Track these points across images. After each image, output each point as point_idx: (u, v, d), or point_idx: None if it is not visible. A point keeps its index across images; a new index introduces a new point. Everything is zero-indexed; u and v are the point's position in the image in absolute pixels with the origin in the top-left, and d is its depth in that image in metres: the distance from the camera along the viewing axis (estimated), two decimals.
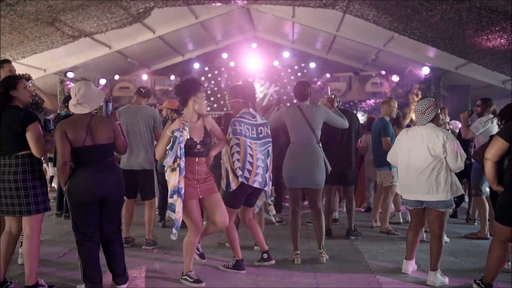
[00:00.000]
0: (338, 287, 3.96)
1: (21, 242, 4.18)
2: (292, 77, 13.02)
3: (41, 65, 11.05)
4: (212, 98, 13.15)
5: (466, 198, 7.46)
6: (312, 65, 13.00)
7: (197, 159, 3.89)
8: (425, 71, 11.43)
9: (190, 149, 3.83)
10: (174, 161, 3.74)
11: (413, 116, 11.01)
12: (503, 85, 11.06)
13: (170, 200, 3.77)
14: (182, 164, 3.75)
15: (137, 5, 8.51)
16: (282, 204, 7.13)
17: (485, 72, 10.23)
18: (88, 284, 3.57)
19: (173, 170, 3.75)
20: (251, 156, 4.19)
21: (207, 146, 3.95)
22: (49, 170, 8.81)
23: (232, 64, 13.14)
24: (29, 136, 3.52)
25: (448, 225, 4.25)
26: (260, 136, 4.31)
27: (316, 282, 4.06)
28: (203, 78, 12.94)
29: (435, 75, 11.59)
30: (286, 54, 13.06)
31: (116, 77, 13.10)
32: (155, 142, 5.31)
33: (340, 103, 5.95)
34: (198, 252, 4.32)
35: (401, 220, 6.72)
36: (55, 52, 10.01)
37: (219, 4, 9.49)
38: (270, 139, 4.41)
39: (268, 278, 4.16)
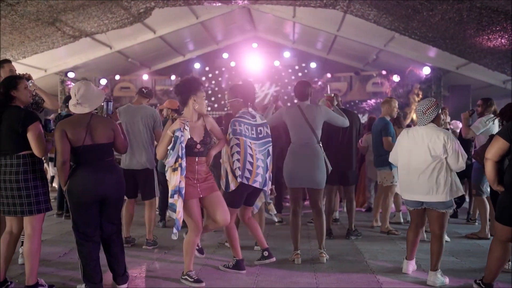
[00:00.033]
0: (338, 287, 3.96)
1: (22, 242, 4.19)
2: (293, 77, 13.00)
3: (42, 65, 11.06)
4: (212, 98, 13.15)
5: (467, 198, 7.45)
6: (313, 65, 12.99)
7: (197, 159, 3.90)
8: (426, 71, 11.42)
9: (190, 149, 3.83)
10: (176, 161, 3.74)
11: (414, 116, 11.00)
12: (504, 85, 11.05)
13: (170, 200, 3.78)
14: (184, 164, 3.76)
15: (138, 5, 8.51)
16: (282, 204, 7.13)
17: (485, 72, 10.22)
18: (88, 284, 3.57)
19: (175, 170, 3.75)
20: (251, 156, 4.19)
21: (207, 145, 3.96)
22: (50, 170, 8.82)
23: (232, 64, 13.13)
24: (30, 136, 3.53)
25: (448, 225, 4.24)
26: (260, 136, 4.31)
27: (316, 282, 4.06)
28: (203, 78, 12.93)
29: (435, 75, 11.58)
30: (286, 54, 13.05)
31: (117, 77, 13.10)
32: (155, 142, 5.32)
33: (341, 102, 5.94)
34: (197, 247, 4.33)
35: (402, 220, 6.72)
36: (56, 52, 10.02)
37: (219, 4, 9.49)
38: (270, 139, 4.41)
39: (268, 278, 4.16)
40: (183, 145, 3.75)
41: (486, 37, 7.89)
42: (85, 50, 10.67)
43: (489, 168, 3.68)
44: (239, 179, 4.15)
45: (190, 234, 3.96)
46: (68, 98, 4.79)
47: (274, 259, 4.52)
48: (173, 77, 13.06)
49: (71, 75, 11.76)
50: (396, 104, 6.26)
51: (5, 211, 3.61)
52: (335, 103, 5.19)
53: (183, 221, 3.85)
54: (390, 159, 4.42)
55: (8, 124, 3.53)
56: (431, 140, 3.93)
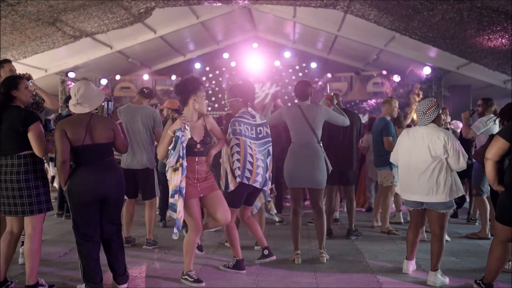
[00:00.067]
0: (339, 287, 3.96)
1: (22, 241, 4.19)
2: (293, 77, 13.00)
3: (42, 65, 11.06)
4: (213, 98, 13.15)
5: (467, 198, 7.45)
6: (313, 65, 12.99)
7: (197, 159, 3.90)
8: (426, 71, 11.41)
9: (190, 149, 3.83)
10: (177, 161, 3.74)
11: (414, 116, 11.00)
12: (504, 85, 11.04)
13: (171, 200, 3.78)
14: (185, 164, 3.76)
15: (138, 5, 8.51)
16: (282, 204, 7.13)
17: (486, 72, 10.22)
18: (88, 284, 3.57)
19: (175, 170, 3.75)
20: (251, 156, 4.19)
21: (207, 145, 3.96)
22: (50, 170, 8.83)
23: (233, 64, 13.13)
24: (31, 136, 3.53)
25: (449, 225, 4.24)
26: (260, 136, 4.31)
27: (316, 282, 4.06)
28: (204, 78, 12.93)
29: (436, 75, 11.57)
30: (287, 54, 13.05)
31: (117, 77, 13.11)
32: (155, 142, 5.32)
33: (342, 102, 5.94)
34: (197, 244, 4.33)
35: (402, 220, 6.72)
36: (56, 52, 10.02)
37: (220, 4, 9.49)
38: (270, 139, 4.41)
39: (269, 278, 4.16)
40: (184, 145, 3.76)
41: (487, 37, 7.89)
42: (86, 50, 10.67)
43: (489, 168, 3.68)
44: (238, 179, 4.15)
45: (190, 234, 3.96)
46: (68, 98, 4.79)
47: (274, 257, 4.52)
48: (173, 77, 13.06)
49: (71, 75, 11.77)
50: (397, 104, 6.26)
51: (5, 211, 3.61)
52: (335, 102, 5.18)
53: (183, 220, 3.85)
54: (391, 159, 4.42)
55: (9, 124, 3.54)
56: (432, 140, 3.92)
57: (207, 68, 13.40)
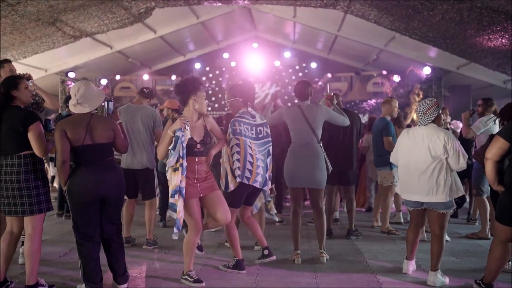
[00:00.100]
0: (339, 287, 3.96)
1: (22, 241, 4.19)
2: (293, 77, 13.00)
3: (43, 65, 11.06)
4: (213, 98, 13.15)
5: (467, 198, 7.45)
6: (313, 65, 12.99)
7: (197, 159, 3.90)
8: (426, 71, 11.41)
9: (190, 149, 3.83)
10: (177, 161, 3.74)
11: (414, 116, 10.99)
12: (504, 85, 11.04)
13: (171, 200, 3.78)
14: (185, 164, 3.76)
15: (138, 5, 8.51)
16: (283, 204, 7.13)
17: (486, 72, 10.22)
18: (89, 283, 3.57)
19: (175, 170, 3.75)
20: (251, 156, 4.19)
21: (207, 145, 3.96)
22: (50, 170, 8.83)
23: (233, 64, 13.13)
24: (31, 136, 3.53)
25: (449, 225, 4.24)
26: (260, 136, 4.31)
27: (316, 282, 4.06)
28: (204, 78, 12.94)
29: (436, 75, 11.57)
30: (287, 54, 13.05)
31: (117, 77, 13.11)
32: (155, 142, 5.32)
33: (342, 102, 5.95)
34: (197, 244, 4.33)
35: (402, 220, 6.72)
36: (56, 52, 10.02)
37: (220, 4, 9.49)
38: (270, 139, 4.41)
39: (269, 278, 4.16)
40: (184, 145, 3.76)
41: (487, 37, 7.89)
42: (86, 50, 10.68)
43: (489, 168, 3.68)
44: (238, 179, 4.15)
45: (190, 234, 3.96)
46: (68, 98, 4.79)
47: (274, 257, 4.52)
48: (173, 77, 13.06)
49: (71, 75, 11.77)
50: (397, 104, 6.27)
51: (6, 211, 3.61)
52: (335, 102, 5.18)
53: (183, 220, 3.85)
54: (391, 159, 4.42)
55: (9, 124, 3.53)
56: (431, 140, 3.92)
57: (207, 68, 13.40)
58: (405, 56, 10.91)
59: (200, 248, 4.35)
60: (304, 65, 13.20)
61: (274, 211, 4.85)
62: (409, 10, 7.71)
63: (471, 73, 10.84)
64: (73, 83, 11.56)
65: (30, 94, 3.82)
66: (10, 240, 3.71)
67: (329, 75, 12.64)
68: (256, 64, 12.91)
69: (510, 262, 4.28)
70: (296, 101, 5.02)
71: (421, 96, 11.58)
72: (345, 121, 4.86)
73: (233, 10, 10.71)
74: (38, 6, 7.28)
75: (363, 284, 4.01)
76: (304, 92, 4.72)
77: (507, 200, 3.61)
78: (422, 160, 3.95)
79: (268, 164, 4.36)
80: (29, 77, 4.16)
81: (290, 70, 13.21)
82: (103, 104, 3.90)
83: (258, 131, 4.32)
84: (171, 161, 3.75)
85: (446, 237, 4.56)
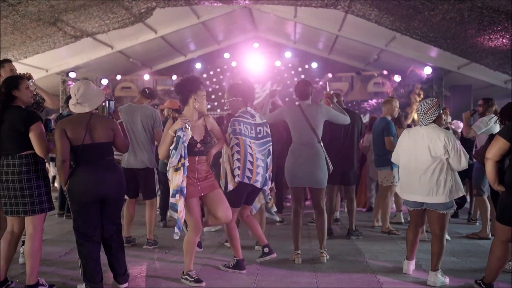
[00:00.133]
0: (339, 287, 3.96)
1: (23, 241, 4.19)
2: (295, 78, 12.96)
3: (43, 65, 11.07)
4: (213, 96, 13.10)
5: (468, 198, 7.44)
6: (314, 65, 12.96)
7: (197, 158, 3.90)
8: (427, 71, 11.40)
9: (190, 148, 3.84)
10: (179, 161, 3.74)
11: (415, 116, 10.98)
12: (505, 85, 11.03)
13: (172, 200, 3.78)
14: (187, 164, 3.76)
15: (139, 5, 8.51)
16: (283, 204, 7.13)
17: (487, 72, 10.21)
18: (89, 283, 3.58)
19: (177, 169, 3.75)
20: (251, 155, 4.20)
21: (207, 145, 3.96)
22: (51, 169, 8.84)
23: (234, 64, 13.11)
24: (32, 136, 3.54)
25: (449, 225, 4.24)
26: (259, 136, 4.31)
27: (316, 282, 4.06)
28: (204, 75, 12.95)
29: (437, 75, 11.55)
30: (288, 54, 13.03)
31: (118, 77, 13.10)
32: (155, 142, 5.32)
33: (343, 102, 5.94)
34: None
35: (403, 220, 6.72)
36: (57, 52, 10.02)
37: (220, 4, 9.49)
38: (270, 139, 4.41)
39: (269, 278, 4.16)
40: (186, 144, 3.76)
41: (487, 37, 7.88)
42: (87, 50, 10.67)
43: (490, 168, 3.68)
44: (237, 179, 4.15)
45: (190, 234, 3.96)
46: (69, 98, 4.80)
47: (275, 255, 4.52)
48: (174, 77, 13.03)
49: (72, 75, 11.77)
50: (397, 104, 6.26)
51: (7, 211, 3.61)
52: (335, 100, 5.17)
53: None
54: (393, 159, 4.42)
55: (10, 124, 3.54)
56: (432, 140, 3.92)
57: (208, 69, 13.38)
58: (406, 56, 10.90)
59: (199, 245, 4.35)
60: (306, 66, 13.16)
61: (275, 208, 4.84)
62: (409, 10, 7.70)
63: (472, 73, 10.83)
64: (74, 83, 11.56)
65: (31, 94, 3.83)
66: (10, 240, 3.72)
67: (330, 75, 12.62)
68: (257, 64, 12.89)
69: (511, 262, 4.28)
70: (297, 103, 5.01)
71: (421, 96, 11.56)
72: (346, 119, 4.85)
73: (234, 10, 10.70)
74: (39, 6, 7.28)
75: (364, 284, 4.01)
76: (304, 92, 4.72)
77: (507, 200, 3.60)
78: (422, 160, 3.95)
79: (268, 164, 4.36)
80: (29, 77, 4.16)
81: (293, 72, 13.15)
82: (104, 103, 3.90)
83: (258, 131, 4.32)
84: (173, 161, 3.74)
85: (447, 237, 4.56)
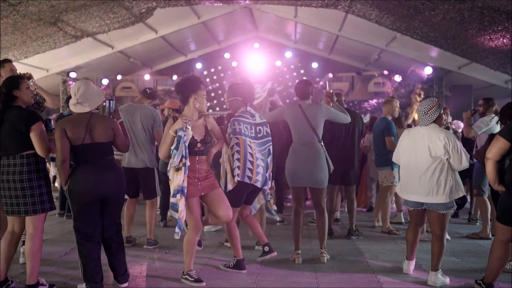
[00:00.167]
0: (339, 287, 3.96)
1: (23, 241, 4.20)
2: (296, 78, 12.97)
3: (44, 65, 11.07)
4: (213, 94, 13.10)
5: (468, 198, 7.44)
6: (315, 65, 12.97)
7: (197, 158, 3.91)
8: (428, 71, 11.40)
9: (190, 148, 3.84)
10: (180, 161, 3.74)
11: (415, 116, 10.98)
12: (506, 85, 11.03)
13: (172, 200, 3.78)
14: (188, 163, 3.77)
15: (140, 5, 8.52)
16: (283, 204, 7.13)
17: (487, 72, 10.21)
18: (89, 283, 3.58)
19: (178, 169, 3.75)
20: (251, 155, 4.20)
21: (207, 144, 3.97)
22: (52, 169, 8.84)
23: (234, 64, 13.11)
24: (33, 136, 3.54)
25: (449, 225, 4.24)
26: (259, 135, 4.31)
27: (316, 282, 4.06)
28: (205, 73, 12.95)
29: (437, 75, 11.55)
30: (288, 54, 13.03)
31: (119, 77, 13.11)
32: (155, 142, 5.33)
33: (344, 101, 5.94)
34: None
35: (403, 220, 6.71)
36: (58, 52, 10.03)
37: (221, 4, 9.49)
38: (270, 138, 4.41)
39: (269, 278, 4.16)
40: (187, 144, 3.76)
41: (488, 37, 7.87)
42: (87, 50, 10.68)
43: (490, 168, 3.68)
44: (237, 178, 4.15)
45: (190, 233, 3.96)
46: (70, 97, 4.81)
47: (275, 253, 4.51)
48: (174, 77, 13.03)
49: (73, 75, 11.78)
50: (398, 104, 6.26)
51: (8, 211, 3.62)
52: (335, 99, 5.16)
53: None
54: (394, 159, 4.41)
55: (11, 124, 3.55)
56: (432, 140, 3.91)
57: (209, 68, 13.38)
58: (406, 56, 10.90)
59: (199, 243, 4.35)
60: (306, 66, 13.16)
61: (274, 207, 4.84)
62: (410, 10, 7.70)
63: (473, 73, 10.82)
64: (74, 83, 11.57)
65: (32, 94, 3.83)
66: (11, 240, 3.72)
67: (331, 75, 12.62)
68: (257, 64, 12.89)
69: (511, 262, 4.27)
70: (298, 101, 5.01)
71: (422, 96, 11.56)
72: (346, 118, 4.84)
73: (234, 10, 10.71)
74: (40, 6, 7.29)
75: (364, 284, 4.01)
76: (305, 91, 4.71)
77: (507, 200, 3.60)
78: (422, 160, 3.94)
79: (268, 164, 4.36)
80: (29, 77, 4.17)
81: (293, 72, 13.16)
82: (104, 103, 3.90)
83: (258, 131, 4.32)
84: (174, 161, 3.74)
85: (447, 236, 4.56)
